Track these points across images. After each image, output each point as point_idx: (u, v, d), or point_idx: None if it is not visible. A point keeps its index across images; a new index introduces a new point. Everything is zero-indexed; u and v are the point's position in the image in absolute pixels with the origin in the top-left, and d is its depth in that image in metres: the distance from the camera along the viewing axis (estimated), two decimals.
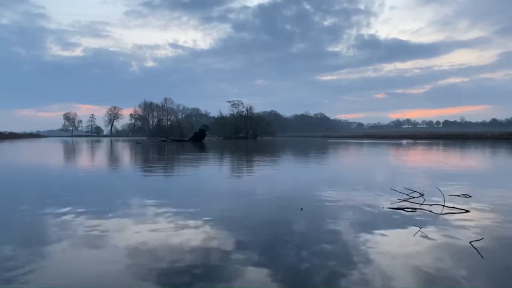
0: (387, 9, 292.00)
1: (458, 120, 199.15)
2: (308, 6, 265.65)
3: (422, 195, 7.29)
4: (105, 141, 67.90)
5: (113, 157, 23.31)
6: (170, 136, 69.54)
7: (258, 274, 3.50)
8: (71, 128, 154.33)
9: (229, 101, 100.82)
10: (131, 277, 3.42)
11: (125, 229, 5.06)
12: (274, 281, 3.35)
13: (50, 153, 27.29)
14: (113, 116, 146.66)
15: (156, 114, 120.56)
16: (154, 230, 4.95)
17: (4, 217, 5.82)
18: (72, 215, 5.82)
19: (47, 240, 4.54)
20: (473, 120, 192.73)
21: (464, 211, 6.05)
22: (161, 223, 5.35)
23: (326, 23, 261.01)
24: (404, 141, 52.16)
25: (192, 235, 4.77)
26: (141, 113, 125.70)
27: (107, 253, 4.08)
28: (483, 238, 4.49)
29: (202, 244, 4.39)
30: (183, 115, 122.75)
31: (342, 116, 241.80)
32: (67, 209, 6.27)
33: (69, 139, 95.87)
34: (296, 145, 44.24)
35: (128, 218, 5.70)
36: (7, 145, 43.14)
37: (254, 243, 4.45)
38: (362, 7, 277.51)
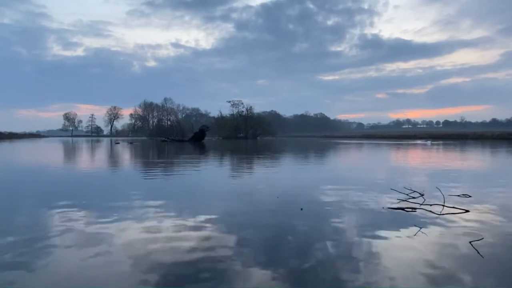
0: (391, 8, 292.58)
1: (458, 120, 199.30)
2: (311, 6, 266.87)
3: (422, 195, 7.29)
4: (98, 142, 67.93)
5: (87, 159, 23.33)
6: (170, 136, 69.57)
7: (258, 273, 3.50)
8: (71, 128, 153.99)
9: (229, 101, 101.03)
10: (131, 277, 3.42)
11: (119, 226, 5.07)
12: (274, 280, 3.35)
13: (34, 156, 27.27)
14: (113, 116, 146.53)
15: (156, 114, 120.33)
16: (151, 230, 4.96)
17: (5, 217, 5.83)
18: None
19: (46, 239, 4.54)
20: (473, 120, 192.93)
21: (464, 211, 6.05)
22: (159, 226, 5.36)
23: (329, 22, 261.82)
24: (429, 142, 49.60)
25: (192, 235, 4.77)
26: (141, 113, 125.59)
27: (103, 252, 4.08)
28: (483, 238, 4.50)
29: (203, 244, 4.39)
30: (183, 115, 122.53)
31: (342, 116, 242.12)
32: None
33: (69, 139, 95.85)
34: (295, 145, 44.23)
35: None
36: (5, 146, 43.12)
37: (255, 242, 4.45)
38: (365, 6, 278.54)
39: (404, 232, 4.89)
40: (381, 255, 3.98)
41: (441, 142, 51.09)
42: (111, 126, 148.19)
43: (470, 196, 7.36)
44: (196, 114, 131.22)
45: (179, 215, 5.89)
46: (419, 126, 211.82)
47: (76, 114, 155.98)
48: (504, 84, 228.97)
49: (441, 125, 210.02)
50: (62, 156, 24.83)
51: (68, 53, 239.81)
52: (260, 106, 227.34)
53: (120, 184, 10.30)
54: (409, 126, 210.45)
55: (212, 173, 13.47)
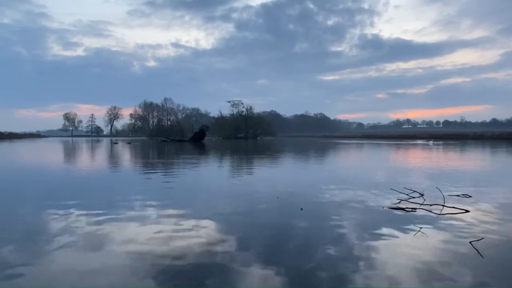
0: (391, 8, 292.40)
1: (458, 120, 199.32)
2: (311, 6, 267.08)
3: (422, 195, 7.29)
4: (97, 142, 67.98)
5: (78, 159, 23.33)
6: (170, 136, 69.60)
7: (258, 273, 3.49)
8: (71, 128, 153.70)
9: (229, 101, 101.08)
10: (131, 277, 3.42)
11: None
12: (275, 280, 3.35)
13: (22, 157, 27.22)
14: (113, 116, 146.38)
15: (156, 114, 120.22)
16: (153, 232, 4.96)
17: (6, 217, 5.83)
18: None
19: (46, 239, 4.54)
20: (473, 120, 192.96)
21: (464, 211, 6.05)
22: (159, 226, 5.35)
23: (329, 22, 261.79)
24: (431, 142, 48.84)
25: (191, 234, 4.77)
26: (141, 113, 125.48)
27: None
28: (483, 238, 4.49)
29: (202, 244, 4.38)
30: (183, 115, 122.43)
31: (342, 116, 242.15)
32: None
33: (69, 139, 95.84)
34: (295, 145, 44.22)
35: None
36: (5, 146, 43.12)
37: (255, 242, 4.45)
38: (366, 6, 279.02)
39: (404, 232, 4.89)
40: (381, 255, 3.98)
41: (441, 142, 51.04)
42: (111, 126, 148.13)
43: (470, 196, 7.36)
44: (196, 114, 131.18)
45: (179, 215, 5.89)
46: (419, 126, 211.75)
47: (76, 114, 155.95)
48: (504, 84, 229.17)
49: (441, 125, 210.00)
50: (60, 156, 24.83)
51: (68, 53, 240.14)
52: (260, 106, 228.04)
53: (119, 185, 10.30)
54: (409, 126, 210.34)
55: (212, 173, 13.47)
